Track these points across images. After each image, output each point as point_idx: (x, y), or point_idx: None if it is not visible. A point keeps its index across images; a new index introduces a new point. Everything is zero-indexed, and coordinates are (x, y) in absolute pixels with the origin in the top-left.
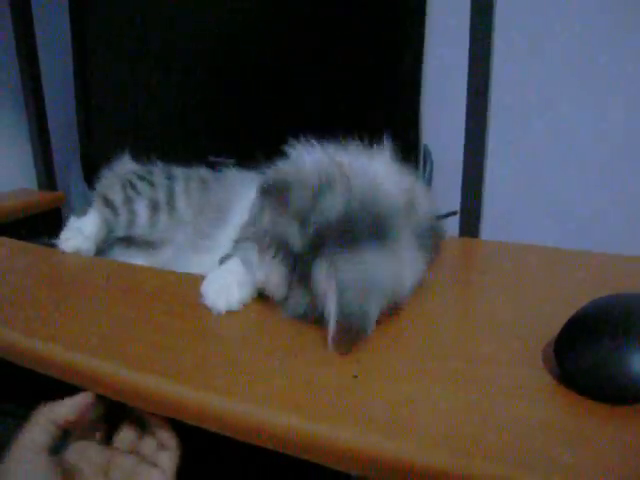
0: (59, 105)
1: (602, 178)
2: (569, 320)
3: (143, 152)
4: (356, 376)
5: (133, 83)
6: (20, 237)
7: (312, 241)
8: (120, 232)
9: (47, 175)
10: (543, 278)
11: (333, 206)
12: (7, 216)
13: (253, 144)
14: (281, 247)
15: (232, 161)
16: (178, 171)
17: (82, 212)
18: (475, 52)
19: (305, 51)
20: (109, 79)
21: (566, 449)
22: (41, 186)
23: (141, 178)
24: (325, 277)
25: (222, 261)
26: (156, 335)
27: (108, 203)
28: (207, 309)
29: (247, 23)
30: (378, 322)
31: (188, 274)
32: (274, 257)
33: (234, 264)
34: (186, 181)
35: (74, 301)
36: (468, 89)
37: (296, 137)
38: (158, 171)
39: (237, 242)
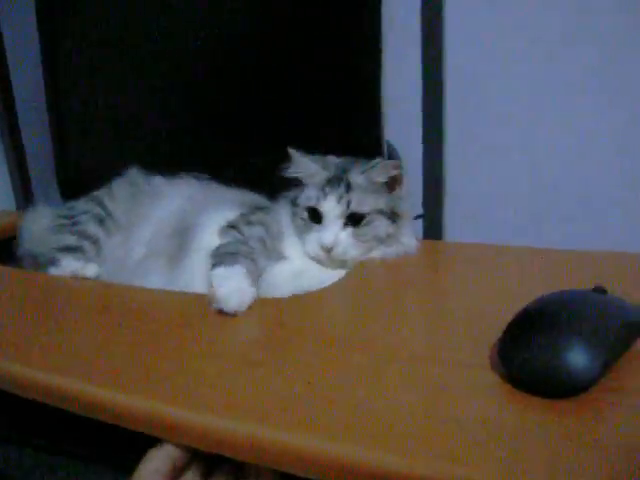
0: (33, 125)
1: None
2: (512, 319)
3: (119, 167)
4: (309, 382)
5: (105, 97)
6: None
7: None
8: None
9: (24, 196)
10: (500, 277)
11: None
12: None
13: (223, 158)
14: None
15: (205, 176)
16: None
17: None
18: (428, 45)
19: (264, 55)
20: (80, 93)
21: (501, 444)
22: (19, 207)
23: (69, 213)
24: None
25: (216, 258)
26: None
27: (70, 249)
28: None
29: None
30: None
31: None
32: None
33: (239, 267)
34: (107, 192)
35: (49, 323)
36: (423, 83)
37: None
38: (77, 202)
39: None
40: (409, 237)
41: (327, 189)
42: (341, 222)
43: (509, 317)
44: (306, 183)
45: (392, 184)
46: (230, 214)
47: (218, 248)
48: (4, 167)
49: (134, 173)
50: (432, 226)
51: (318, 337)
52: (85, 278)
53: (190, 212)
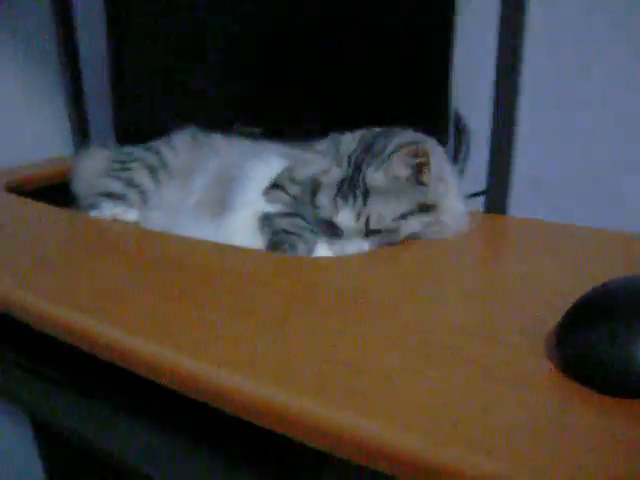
0: (94, 73)
1: None
2: (574, 304)
3: (173, 120)
4: (335, 345)
5: (164, 49)
6: (56, 203)
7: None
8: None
9: (83, 143)
10: (565, 257)
11: None
12: (43, 182)
13: (281, 117)
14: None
15: (259, 130)
16: (151, 143)
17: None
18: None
19: (338, 24)
20: (140, 46)
21: (545, 443)
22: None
23: (122, 158)
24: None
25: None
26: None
27: (113, 196)
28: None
29: None
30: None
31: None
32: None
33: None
34: (166, 141)
35: (86, 263)
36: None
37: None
38: (134, 148)
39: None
40: (452, 218)
41: (339, 201)
42: (362, 234)
43: (571, 301)
44: (320, 180)
45: (418, 173)
46: (275, 166)
47: (275, 219)
48: (64, 113)
49: (194, 129)
50: (495, 203)
51: (353, 301)
52: (125, 222)
53: (235, 163)
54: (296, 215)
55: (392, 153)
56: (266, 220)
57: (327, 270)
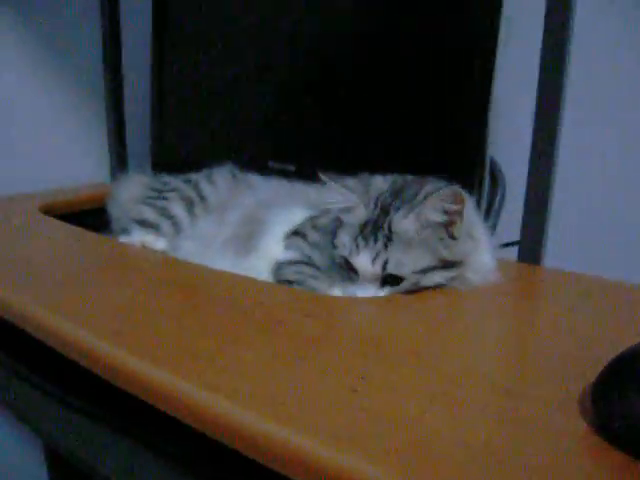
0: (135, 103)
1: None
2: (612, 361)
3: (208, 154)
4: (356, 391)
5: (206, 85)
6: (90, 228)
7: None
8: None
9: (120, 172)
10: (600, 313)
11: None
12: (77, 206)
13: (315, 155)
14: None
15: (292, 167)
16: (189, 175)
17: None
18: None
19: (378, 67)
20: (183, 79)
21: None
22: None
23: (160, 187)
24: None
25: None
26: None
27: (145, 224)
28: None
29: (330, 33)
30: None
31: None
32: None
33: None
34: (206, 176)
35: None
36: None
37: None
38: (172, 179)
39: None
40: (478, 274)
41: (360, 242)
42: (378, 282)
43: (606, 358)
44: (342, 219)
45: (450, 224)
46: (298, 215)
47: (284, 268)
48: (104, 140)
49: (233, 166)
50: (529, 254)
51: (379, 348)
52: (153, 250)
53: (263, 205)
54: (308, 263)
55: (426, 197)
56: (277, 267)
57: (348, 310)
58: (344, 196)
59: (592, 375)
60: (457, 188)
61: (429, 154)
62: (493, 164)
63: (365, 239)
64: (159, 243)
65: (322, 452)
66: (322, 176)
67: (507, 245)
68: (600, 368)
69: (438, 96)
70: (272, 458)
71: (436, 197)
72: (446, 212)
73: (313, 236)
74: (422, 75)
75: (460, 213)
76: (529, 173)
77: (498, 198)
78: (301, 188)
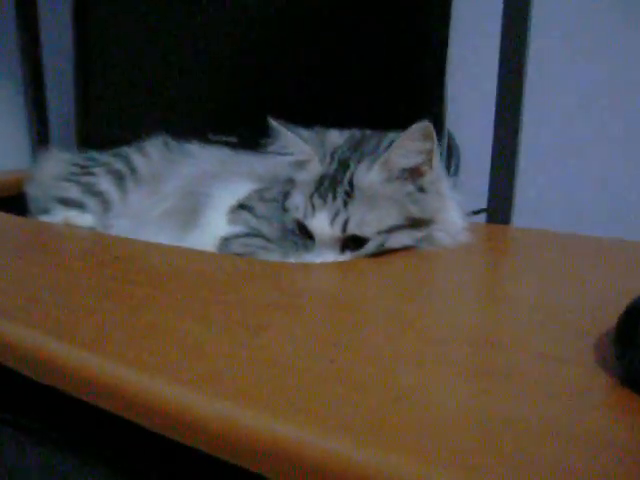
0: (58, 84)
1: None
2: (628, 308)
3: (141, 131)
4: (332, 361)
5: (134, 57)
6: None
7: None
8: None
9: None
10: (586, 266)
11: None
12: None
13: (255, 125)
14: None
15: (234, 139)
16: (120, 149)
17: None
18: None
19: (324, 31)
20: (109, 54)
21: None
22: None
23: (84, 163)
24: None
25: None
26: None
27: (68, 202)
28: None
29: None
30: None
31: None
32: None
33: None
34: (137, 148)
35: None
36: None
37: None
38: (98, 154)
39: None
40: (448, 233)
41: (316, 200)
42: (338, 246)
43: (612, 310)
44: (294, 178)
45: (421, 169)
46: (244, 187)
47: (230, 244)
48: (24, 124)
49: (165, 136)
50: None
51: (353, 313)
52: (78, 227)
53: (206, 177)
54: (257, 235)
55: (393, 142)
56: (222, 244)
57: (310, 275)
58: (297, 147)
59: (587, 325)
60: (427, 122)
61: (383, 119)
62: (448, 135)
63: (322, 197)
64: (85, 218)
65: (308, 441)
66: (273, 122)
67: (475, 213)
68: (595, 319)
69: (396, 60)
70: (252, 459)
71: (405, 136)
72: (419, 152)
73: (260, 208)
74: (373, 35)
75: (431, 154)
76: (493, 141)
77: (452, 169)
78: (245, 158)
